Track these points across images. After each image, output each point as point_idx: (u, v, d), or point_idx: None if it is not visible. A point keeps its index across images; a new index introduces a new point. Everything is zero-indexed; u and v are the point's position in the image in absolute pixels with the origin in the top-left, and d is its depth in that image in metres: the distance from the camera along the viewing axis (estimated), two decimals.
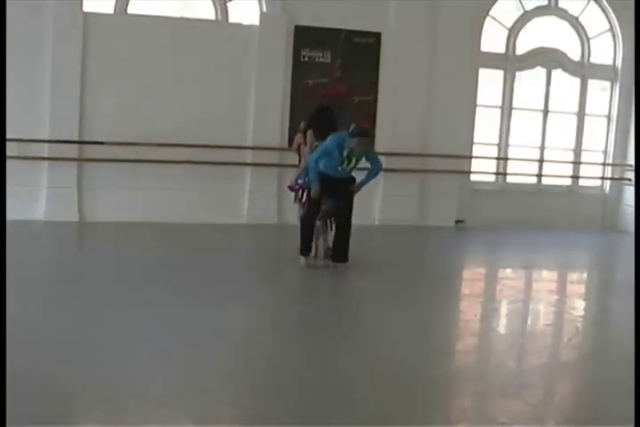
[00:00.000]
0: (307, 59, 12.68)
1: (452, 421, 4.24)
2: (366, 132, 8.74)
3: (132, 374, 4.67)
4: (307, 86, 12.68)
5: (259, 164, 12.39)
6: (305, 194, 9.18)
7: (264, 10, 12.56)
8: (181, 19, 12.45)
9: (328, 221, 9.06)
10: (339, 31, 12.70)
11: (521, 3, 13.87)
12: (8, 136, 11.14)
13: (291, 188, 9.60)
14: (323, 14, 12.43)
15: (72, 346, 5.22)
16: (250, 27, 12.51)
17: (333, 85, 12.70)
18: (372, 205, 11.17)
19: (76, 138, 11.74)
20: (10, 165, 11.18)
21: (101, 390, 4.37)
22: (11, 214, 11.20)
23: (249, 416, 4.12)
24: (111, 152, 11.64)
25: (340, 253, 8.70)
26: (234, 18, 12.68)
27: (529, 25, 13.95)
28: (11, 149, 11.26)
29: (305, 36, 12.60)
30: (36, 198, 11.69)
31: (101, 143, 11.68)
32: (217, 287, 7.42)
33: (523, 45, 13.95)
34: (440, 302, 7.41)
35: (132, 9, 12.23)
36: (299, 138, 9.57)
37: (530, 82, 14.20)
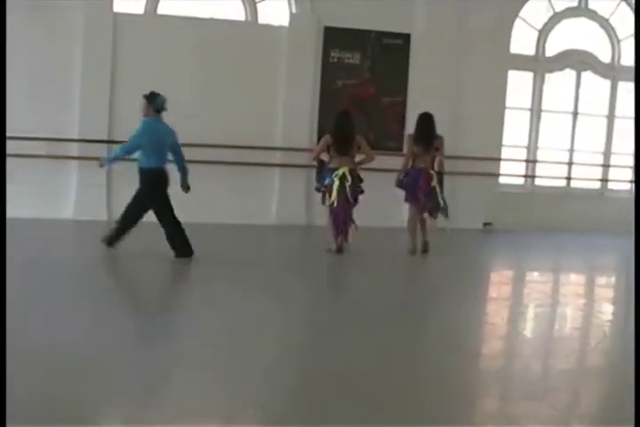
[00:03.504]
0: (336, 60, 12.69)
1: (475, 422, 4.23)
2: (146, 95, 8.72)
3: (158, 372, 4.69)
4: (336, 87, 12.70)
5: (287, 164, 12.41)
6: (328, 195, 9.32)
7: (293, 11, 12.59)
8: (211, 19, 12.50)
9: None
10: (368, 32, 12.70)
11: (551, 4, 13.80)
12: (38, 135, 11.33)
13: (318, 189, 9.65)
14: (352, 15, 12.44)
15: (103, 342, 5.25)
16: (279, 28, 12.54)
17: (362, 86, 12.71)
18: (401, 207, 11.12)
19: (106, 137, 11.82)
20: (39, 164, 11.36)
21: (127, 388, 4.39)
22: (40, 213, 11.40)
23: (276, 417, 4.12)
24: None
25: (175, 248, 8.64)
26: (263, 19, 12.72)
27: (559, 26, 13.87)
28: (40, 148, 11.40)
29: (334, 37, 12.62)
30: (65, 197, 11.78)
31: None
32: (252, 287, 7.45)
33: (552, 47, 13.88)
34: (467, 305, 7.37)
35: (162, 9, 12.31)
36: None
37: (559, 84, 14.12)
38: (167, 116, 11.73)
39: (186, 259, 8.56)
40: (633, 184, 13.61)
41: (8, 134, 11.12)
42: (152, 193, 8.64)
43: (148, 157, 8.59)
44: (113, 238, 8.62)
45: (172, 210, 8.66)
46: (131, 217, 8.65)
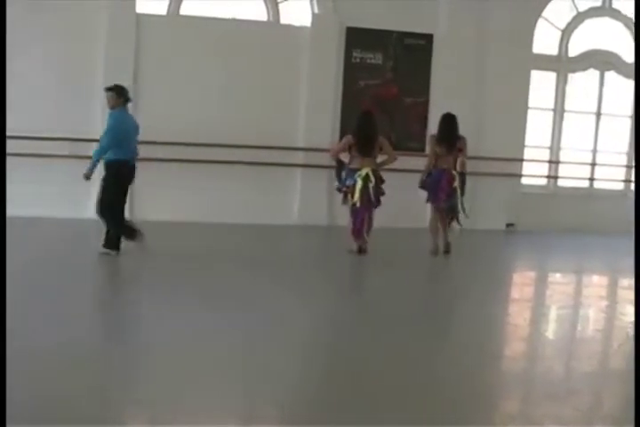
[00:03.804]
0: (358, 60, 12.69)
1: (496, 423, 4.21)
2: (112, 87, 8.74)
3: (178, 371, 4.71)
4: (358, 88, 12.69)
5: (310, 165, 12.42)
6: (350, 195, 9.33)
7: (315, 11, 12.60)
8: (233, 20, 12.53)
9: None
10: (390, 32, 12.68)
11: (574, 4, 13.73)
12: (61, 135, 11.39)
13: (339, 189, 9.66)
14: (374, 16, 12.43)
15: (128, 340, 5.28)
16: (301, 28, 12.55)
17: (384, 87, 12.71)
18: (423, 208, 11.10)
19: None
20: (63, 164, 11.41)
21: (146, 387, 4.40)
22: (63, 213, 11.48)
23: (295, 416, 4.12)
24: (162, 152, 11.75)
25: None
26: (285, 19, 12.73)
27: (582, 26, 13.79)
28: (64, 148, 11.46)
29: (356, 38, 12.61)
30: (88, 197, 11.82)
31: (153, 143, 11.78)
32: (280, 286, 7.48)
33: (576, 47, 13.81)
34: (489, 306, 7.34)
35: (185, 10, 12.35)
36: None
37: (583, 84, 14.04)
38: (188, 117, 11.84)
39: (112, 252, 8.59)
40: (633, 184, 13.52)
41: (32, 134, 11.27)
42: (116, 184, 8.58)
43: (114, 148, 8.51)
44: (118, 240, 8.60)
45: (124, 202, 8.70)
46: (110, 214, 8.60)
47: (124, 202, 8.72)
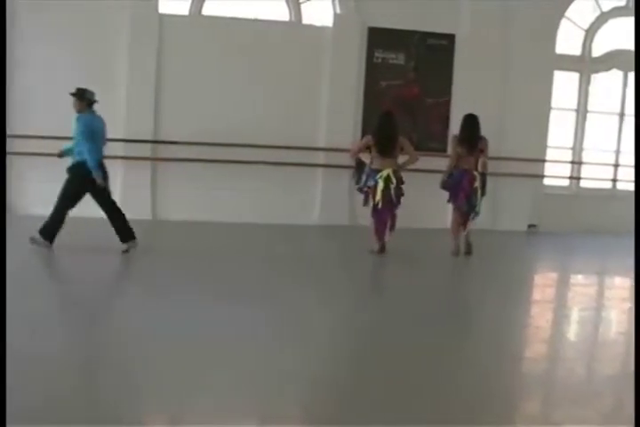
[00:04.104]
0: (380, 60, 12.68)
1: (516, 423, 4.20)
2: (74, 93, 8.74)
3: (201, 370, 4.72)
4: (380, 88, 12.68)
5: (331, 165, 12.42)
6: (372, 196, 9.33)
7: (337, 11, 12.60)
8: (255, 20, 12.55)
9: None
10: (412, 33, 12.67)
11: (598, 3, 13.66)
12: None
13: (360, 189, 9.65)
14: (396, 16, 12.41)
15: (147, 337, 5.29)
16: (323, 28, 12.55)
17: (406, 87, 12.69)
18: (444, 208, 11.08)
19: (151, 137, 11.93)
20: None
21: (169, 387, 4.42)
22: (87, 212, 11.53)
23: (318, 417, 4.13)
24: (184, 152, 11.80)
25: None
26: (307, 19, 12.74)
27: (605, 26, 13.71)
28: None
29: (378, 38, 12.60)
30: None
31: (175, 143, 11.85)
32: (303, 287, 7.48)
33: (599, 47, 13.72)
34: (510, 307, 7.32)
35: (207, 10, 12.39)
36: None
37: (606, 84, 13.96)
38: (210, 117, 11.91)
39: (132, 244, 8.72)
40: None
41: (56, 135, 11.33)
42: (79, 185, 8.63)
43: (82, 149, 8.56)
44: (47, 232, 8.62)
45: (74, 205, 8.70)
46: (60, 208, 8.64)
47: (75, 203, 8.75)
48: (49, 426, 3.68)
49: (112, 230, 8.80)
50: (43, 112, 11.57)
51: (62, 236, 8.68)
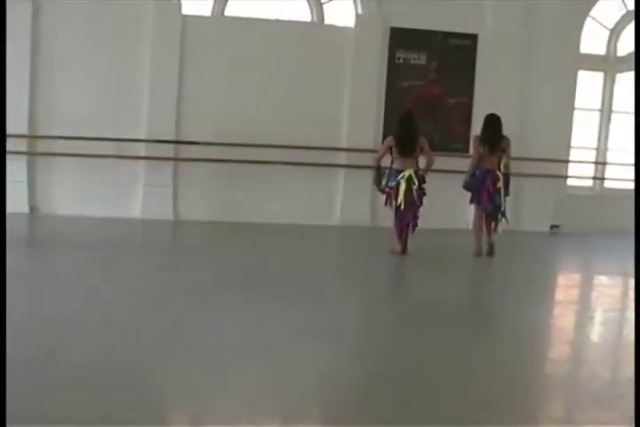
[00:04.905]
0: (401, 60, 12.64)
1: (539, 424, 4.18)
2: None
3: (219, 371, 4.72)
4: (401, 88, 12.65)
5: (352, 165, 12.40)
6: (394, 197, 9.31)
7: (359, 11, 12.58)
8: (277, 21, 12.56)
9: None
10: (434, 33, 12.62)
11: (623, 2, 13.54)
12: (107, 136, 11.52)
13: (382, 190, 9.63)
14: (418, 16, 12.37)
15: (162, 339, 5.30)
16: (345, 28, 12.54)
17: (428, 87, 12.66)
18: (466, 209, 11.05)
19: (173, 138, 11.97)
20: (108, 163, 11.55)
21: (186, 387, 4.41)
22: (109, 212, 11.62)
23: (335, 417, 4.11)
24: (206, 152, 11.83)
25: None
26: (329, 20, 12.74)
27: (631, 25, 13.59)
28: (109, 148, 11.60)
29: (400, 38, 12.57)
30: (133, 197, 11.96)
31: (197, 143, 11.88)
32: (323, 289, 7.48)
33: (624, 47, 13.61)
34: (532, 308, 7.27)
35: (230, 11, 12.41)
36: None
37: (631, 84, 13.83)
38: (232, 117, 11.94)
39: None
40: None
41: (79, 135, 11.41)
42: None
43: None
44: None
45: None
46: None
47: None
48: (49, 426, 3.66)
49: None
50: (67, 113, 11.62)
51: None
